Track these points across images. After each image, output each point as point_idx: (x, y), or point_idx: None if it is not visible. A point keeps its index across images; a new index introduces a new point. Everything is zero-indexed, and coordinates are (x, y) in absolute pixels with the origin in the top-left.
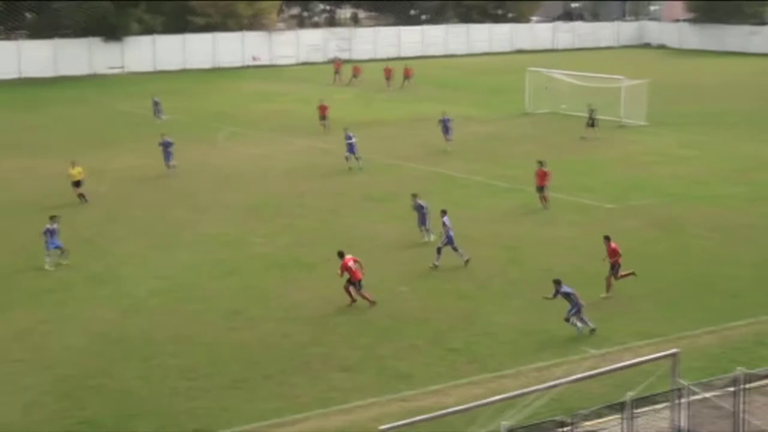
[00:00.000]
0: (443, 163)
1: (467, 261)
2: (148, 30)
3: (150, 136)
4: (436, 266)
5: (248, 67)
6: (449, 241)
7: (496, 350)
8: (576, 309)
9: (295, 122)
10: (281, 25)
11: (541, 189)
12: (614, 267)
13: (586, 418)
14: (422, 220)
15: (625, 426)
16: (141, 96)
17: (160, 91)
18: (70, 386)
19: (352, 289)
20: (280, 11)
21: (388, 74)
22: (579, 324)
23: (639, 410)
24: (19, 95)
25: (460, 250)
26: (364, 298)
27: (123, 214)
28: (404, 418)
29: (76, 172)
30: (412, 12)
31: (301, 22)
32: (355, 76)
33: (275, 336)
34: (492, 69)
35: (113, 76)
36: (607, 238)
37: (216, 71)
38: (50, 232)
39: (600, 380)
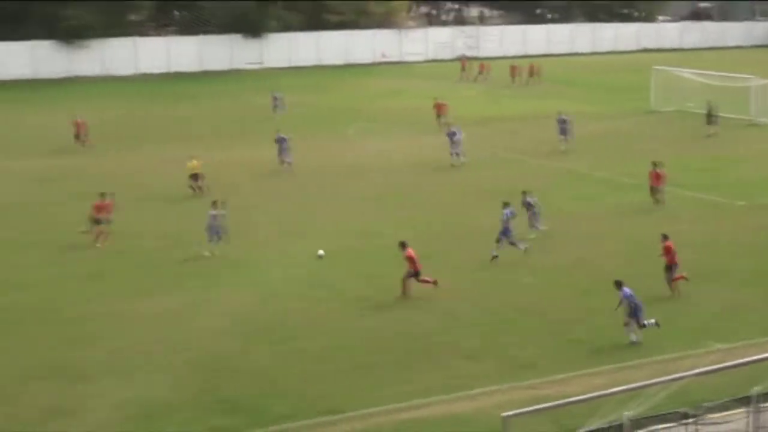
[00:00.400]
0: (567, 159)
1: (495, 257)
2: (285, 27)
3: (282, 130)
4: (526, 249)
5: (379, 63)
6: (504, 233)
7: (619, 342)
8: (633, 312)
9: (421, 118)
10: (411, 23)
11: (655, 190)
12: (671, 267)
13: (711, 410)
14: (532, 217)
15: (750, 419)
16: (278, 91)
17: (294, 86)
18: (212, 366)
19: (411, 280)
20: (411, 9)
21: (513, 71)
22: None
23: (766, 405)
24: (168, 88)
25: (500, 248)
26: (426, 281)
27: (259, 204)
28: (527, 406)
29: (194, 165)
30: (539, 11)
31: (431, 20)
32: (480, 72)
33: (401, 323)
34: (618, 67)
35: (252, 71)
36: (664, 237)
37: (348, 67)
38: (214, 218)
39: (725, 374)
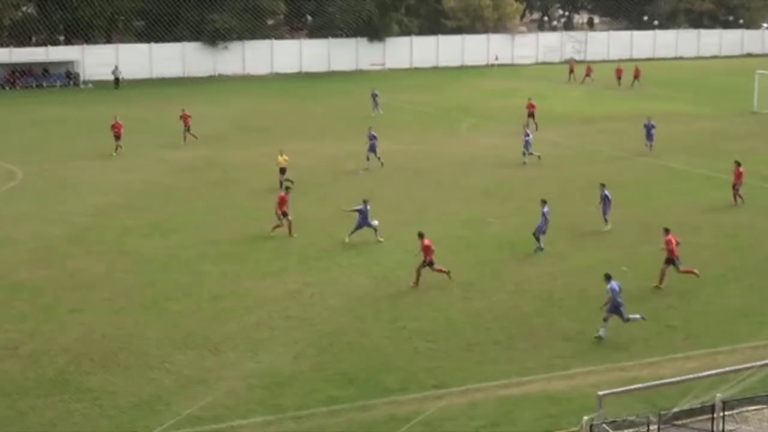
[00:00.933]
0: (666, 157)
1: (537, 249)
2: (406, 32)
3: (396, 125)
4: (542, 249)
5: (491, 66)
6: (540, 229)
7: (713, 329)
8: (612, 308)
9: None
10: (523, 28)
11: (735, 187)
12: (671, 260)
13: None
14: (605, 209)
15: None
16: (398, 90)
17: (413, 86)
18: (330, 341)
19: (423, 270)
20: (523, 16)
21: (618, 74)
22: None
23: None
24: (300, 87)
25: (540, 242)
26: (440, 271)
27: (376, 193)
28: (622, 386)
29: (282, 160)
30: (645, 18)
31: (541, 26)
32: (587, 75)
33: (504, 306)
34: (720, 71)
35: (375, 72)
36: (666, 230)
37: (463, 69)
38: (360, 212)
39: None
